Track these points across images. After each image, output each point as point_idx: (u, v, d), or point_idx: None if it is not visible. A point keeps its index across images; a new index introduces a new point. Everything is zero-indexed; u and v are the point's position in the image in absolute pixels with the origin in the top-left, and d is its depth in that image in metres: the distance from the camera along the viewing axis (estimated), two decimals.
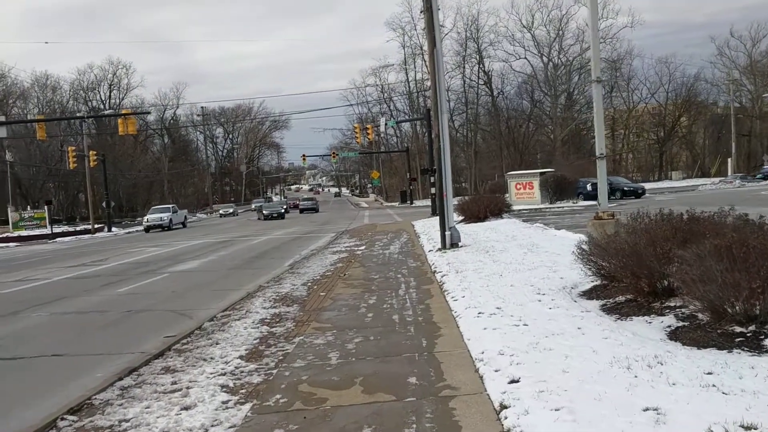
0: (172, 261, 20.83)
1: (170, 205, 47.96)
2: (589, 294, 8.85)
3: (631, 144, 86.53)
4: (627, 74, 76.66)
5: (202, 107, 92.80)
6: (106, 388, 6.30)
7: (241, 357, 6.95)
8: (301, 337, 7.73)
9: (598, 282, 9.09)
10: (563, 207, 34.59)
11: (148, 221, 41.99)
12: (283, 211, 56.08)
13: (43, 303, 12.91)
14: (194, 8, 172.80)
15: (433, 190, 40.24)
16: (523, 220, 26.15)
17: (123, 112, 32.89)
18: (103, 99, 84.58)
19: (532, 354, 5.88)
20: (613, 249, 8.28)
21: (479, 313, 7.87)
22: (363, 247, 20.19)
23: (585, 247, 9.26)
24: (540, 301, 8.39)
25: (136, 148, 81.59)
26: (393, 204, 74.06)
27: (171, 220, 42.34)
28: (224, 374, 6.35)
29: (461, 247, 16.15)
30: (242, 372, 6.42)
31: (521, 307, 8.03)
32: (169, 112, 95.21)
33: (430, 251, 16.48)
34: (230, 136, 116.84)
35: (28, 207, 52.46)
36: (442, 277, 11.38)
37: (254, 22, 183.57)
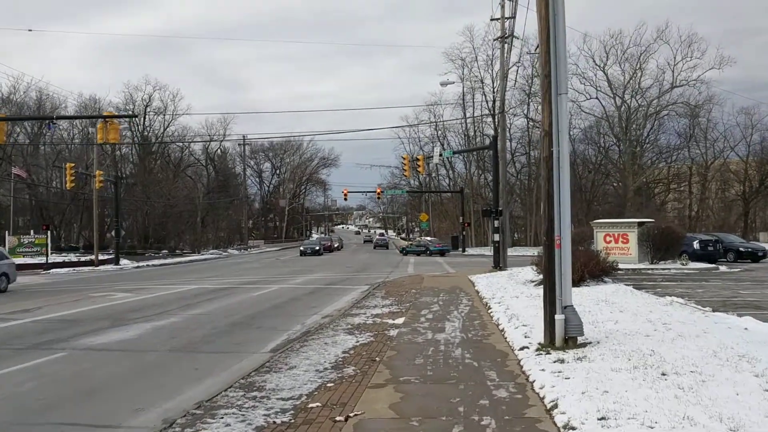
0: (112, 321, 13.72)
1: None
2: None
3: (713, 200, 77.06)
4: (705, 124, 67.65)
5: (243, 136, 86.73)
6: None
7: None
8: None
9: None
10: (670, 269, 26.18)
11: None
12: (318, 248, 58.49)
13: None
14: (255, 48, 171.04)
15: (496, 237, 32.27)
16: (635, 286, 18.18)
17: (105, 114, 26.62)
18: (147, 125, 79.78)
19: None
20: None
21: None
22: (400, 321, 12.62)
23: None
24: None
25: (174, 177, 76.34)
26: None
27: None
28: None
29: (584, 345, 8.46)
30: None
31: None
32: (216, 144, 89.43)
33: (523, 350, 8.80)
34: (277, 171, 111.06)
35: (32, 232, 46.60)
36: None
37: (316, 60, 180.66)
